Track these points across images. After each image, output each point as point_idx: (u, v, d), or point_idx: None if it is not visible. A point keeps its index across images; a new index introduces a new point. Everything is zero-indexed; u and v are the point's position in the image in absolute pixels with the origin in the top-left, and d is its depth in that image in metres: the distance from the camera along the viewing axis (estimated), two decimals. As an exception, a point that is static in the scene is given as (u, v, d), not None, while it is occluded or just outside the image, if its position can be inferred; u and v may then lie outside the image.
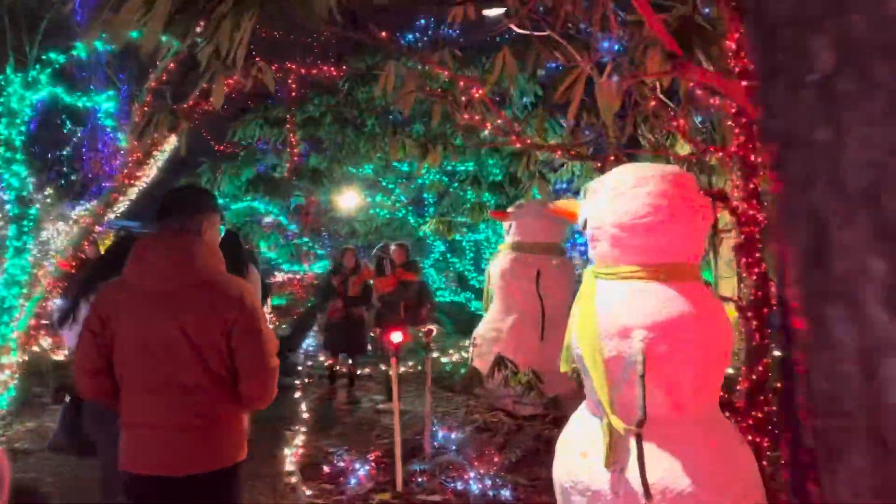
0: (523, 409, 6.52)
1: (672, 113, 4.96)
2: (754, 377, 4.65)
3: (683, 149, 5.60)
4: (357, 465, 4.99)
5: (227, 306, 2.38)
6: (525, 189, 8.30)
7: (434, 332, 5.20)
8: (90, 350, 2.41)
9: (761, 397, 4.71)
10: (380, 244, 8.58)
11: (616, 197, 3.01)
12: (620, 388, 2.89)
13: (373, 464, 5.09)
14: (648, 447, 2.76)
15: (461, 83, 4.46)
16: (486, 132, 4.80)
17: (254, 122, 9.31)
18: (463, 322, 10.35)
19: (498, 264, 7.35)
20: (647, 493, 2.71)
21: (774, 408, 4.81)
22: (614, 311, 2.92)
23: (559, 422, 6.23)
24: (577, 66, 4.12)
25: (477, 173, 9.72)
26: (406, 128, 8.35)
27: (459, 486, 4.71)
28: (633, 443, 2.80)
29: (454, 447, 5.52)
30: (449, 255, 11.44)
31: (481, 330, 7.31)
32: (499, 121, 4.55)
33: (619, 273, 3.00)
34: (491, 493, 4.61)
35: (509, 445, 5.46)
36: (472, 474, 4.79)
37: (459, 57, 4.71)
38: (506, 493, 4.60)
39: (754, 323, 4.70)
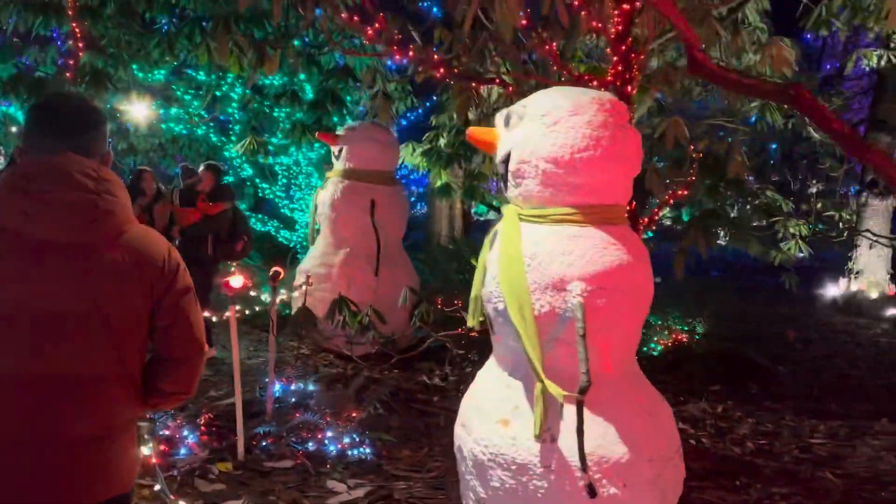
0: (357, 350, 6.05)
1: (544, 37, 4.57)
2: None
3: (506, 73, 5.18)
4: (185, 433, 4.20)
5: (154, 270, 1.67)
6: (367, 110, 7.54)
7: (282, 275, 4.46)
8: None
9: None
10: (182, 165, 7.35)
11: (551, 126, 2.57)
12: (550, 348, 2.54)
13: (203, 429, 4.33)
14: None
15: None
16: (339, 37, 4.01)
17: (9, 5, 7.38)
18: (270, 254, 9.47)
19: (327, 193, 6.65)
20: (585, 465, 2.42)
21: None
22: (546, 259, 2.53)
23: (404, 365, 5.90)
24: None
25: (293, 89, 8.68)
26: (204, 25, 7.00)
27: (312, 447, 4.16)
28: (567, 410, 2.49)
29: (294, 401, 4.91)
30: (258, 181, 10.30)
31: (308, 265, 6.63)
32: (377, 25, 3.81)
33: (550, 216, 2.59)
34: (350, 452, 4.12)
35: (360, 397, 4.98)
36: (327, 434, 4.25)
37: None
38: (367, 451, 4.14)
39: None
